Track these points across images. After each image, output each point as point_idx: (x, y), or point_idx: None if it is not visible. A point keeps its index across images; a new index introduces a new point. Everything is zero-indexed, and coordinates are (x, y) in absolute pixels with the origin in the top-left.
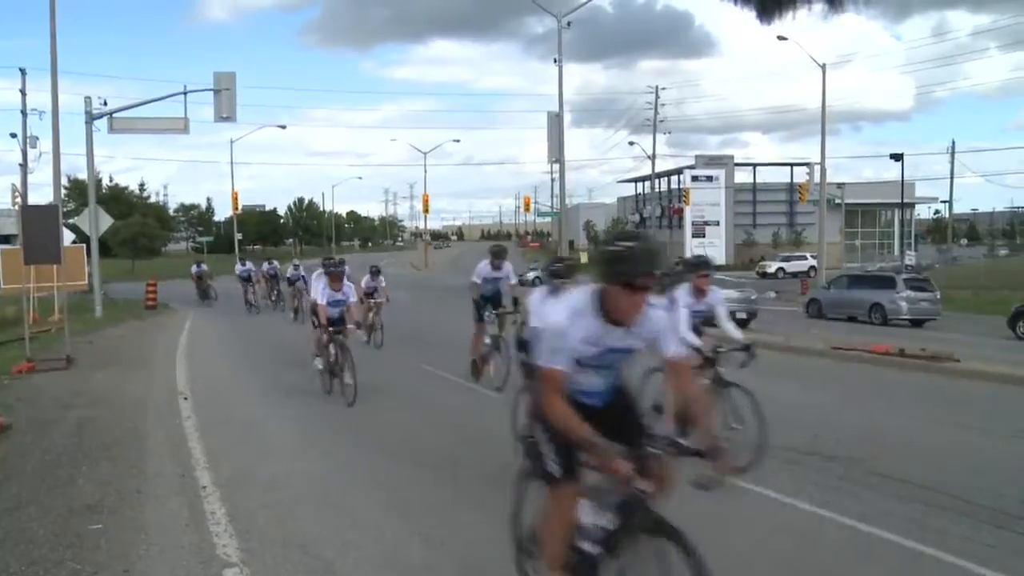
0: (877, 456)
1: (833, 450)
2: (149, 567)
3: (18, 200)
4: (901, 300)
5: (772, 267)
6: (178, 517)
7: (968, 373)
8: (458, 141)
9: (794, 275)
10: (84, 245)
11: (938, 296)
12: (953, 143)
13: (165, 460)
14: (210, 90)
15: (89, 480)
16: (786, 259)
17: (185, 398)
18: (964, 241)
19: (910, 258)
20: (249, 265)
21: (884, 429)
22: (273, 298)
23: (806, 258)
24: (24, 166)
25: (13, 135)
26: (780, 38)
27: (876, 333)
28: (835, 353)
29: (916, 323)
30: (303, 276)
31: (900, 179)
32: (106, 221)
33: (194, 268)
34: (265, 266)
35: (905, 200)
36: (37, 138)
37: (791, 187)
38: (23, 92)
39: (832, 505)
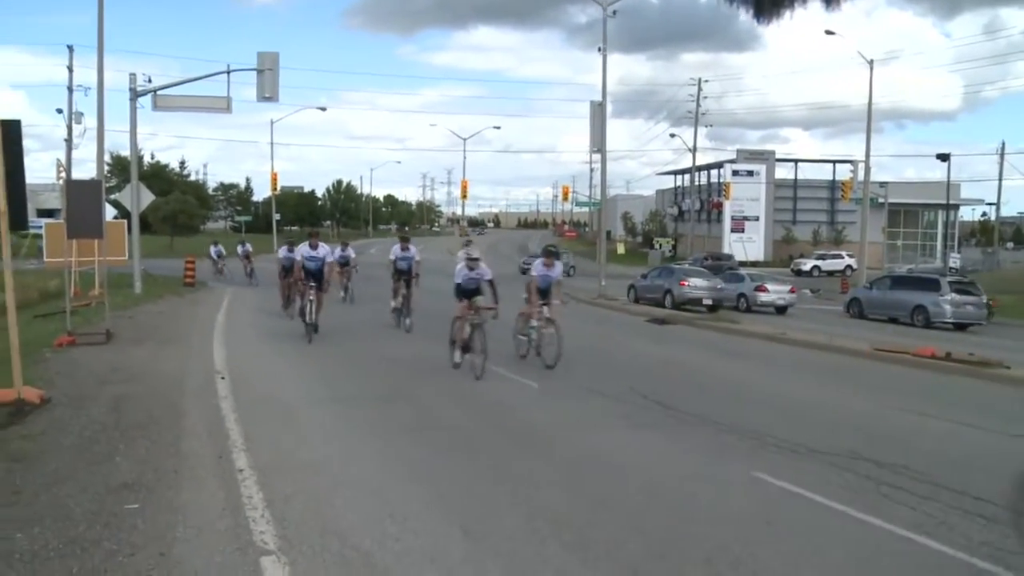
0: (930, 464)
1: (883, 456)
2: (186, 551)
3: (62, 175)
4: (945, 303)
5: (807, 265)
6: (215, 500)
7: (1020, 381)
8: (498, 128)
9: (830, 274)
10: (125, 221)
11: (984, 300)
12: (1003, 144)
13: (202, 440)
14: (253, 70)
15: (126, 458)
16: (821, 257)
17: (222, 377)
18: (1010, 245)
19: (954, 260)
20: (220, 247)
21: (935, 436)
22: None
23: (842, 257)
24: (69, 141)
25: (59, 111)
26: (828, 32)
27: (919, 336)
28: (879, 355)
29: (960, 327)
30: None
31: (946, 179)
32: (147, 197)
33: (217, 248)
34: (239, 248)
35: (950, 201)
36: (82, 114)
37: (833, 184)
38: (70, 68)
39: (885, 513)
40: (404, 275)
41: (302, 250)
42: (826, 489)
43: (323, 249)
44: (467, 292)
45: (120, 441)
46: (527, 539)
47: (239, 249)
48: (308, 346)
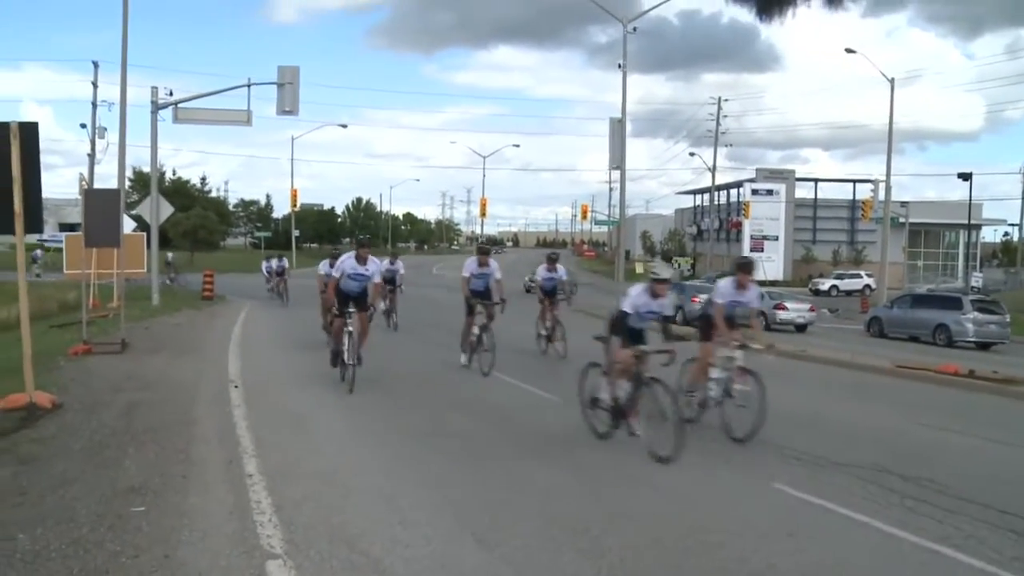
0: (955, 478)
1: (906, 469)
2: (190, 554)
3: (85, 187)
4: (968, 322)
5: (825, 285)
6: (223, 504)
7: None
8: (518, 146)
9: (848, 293)
10: (144, 234)
11: (1008, 320)
12: None
13: (213, 447)
14: (274, 84)
15: (135, 462)
16: (840, 277)
17: (236, 386)
18: None
19: (976, 280)
20: (273, 262)
21: (960, 451)
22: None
23: (861, 276)
24: (92, 156)
25: (83, 125)
26: (848, 51)
27: (941, 355)
28: (901, 372)
29: (983, 346)
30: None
31: (967, 199)
32: (167, 209)
33: (268, 264)
34: (274, 262)
35: (972, 221)
36: (105, 129)
37: (853, 204)
38: (94, 84)
39: (909, 526)
40: (482, 298)
41: (346, 265)
42: (849, 501)
43: (373, 265)
44: (635, 333)
45: (130, 446)
46: (541, 547)
47: (274, 264)
48: (321, 357)
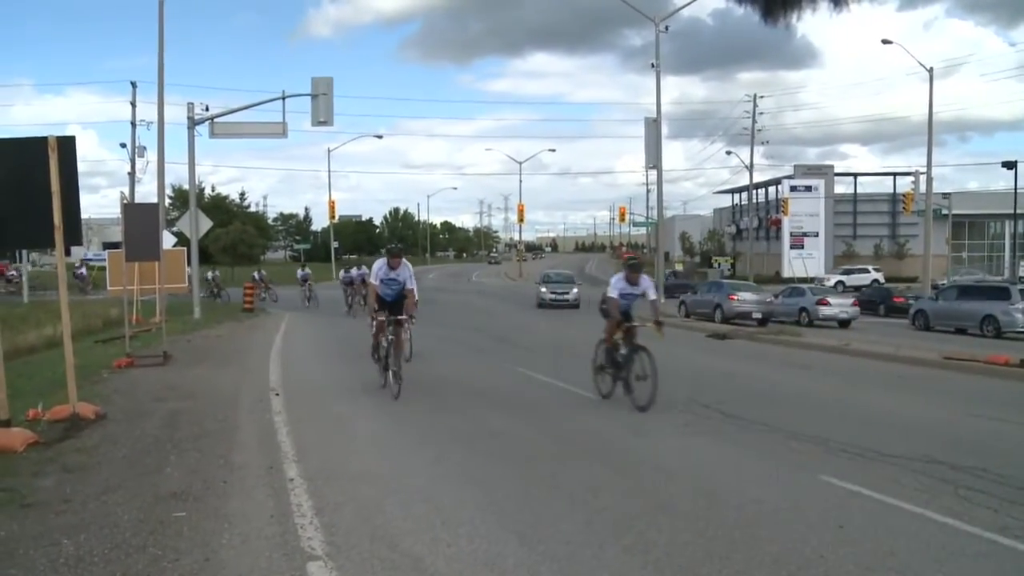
0: (1011, 468)
1: (958, 459)
2: (230, 557)
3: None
4: (1016, 312)
5: (831, 280)
6: (263, 508)
7: None
8: (553, 150)
9: (856, 289)
10: (184, 249)
11: None
12: None
13: (253, 452)
14: (308, 95)
15: (177, 469)
16: (847, 272)
17: (276, 394)
18: None
19: None
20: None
21: (1014, 440)
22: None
23: (868, 271)
24: (132, 174)
25: (123, 145)
26: (885, 41)
27: (990, 346)
28: (949, 363)
29: None
30: None
31: (1012, 189)
32: (205, 223)
33: (299, 273)
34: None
35: (1018, 211)
36: (145, 148)
37: (894, 197)
38: (133, 104)
39: (964, 516)
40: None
41: (620, 284)
42: (899, 492)
43: (645, 282)
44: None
45: (172, 453)
46: (585, 543)
47: (354, 272)
48: (360, 364)
